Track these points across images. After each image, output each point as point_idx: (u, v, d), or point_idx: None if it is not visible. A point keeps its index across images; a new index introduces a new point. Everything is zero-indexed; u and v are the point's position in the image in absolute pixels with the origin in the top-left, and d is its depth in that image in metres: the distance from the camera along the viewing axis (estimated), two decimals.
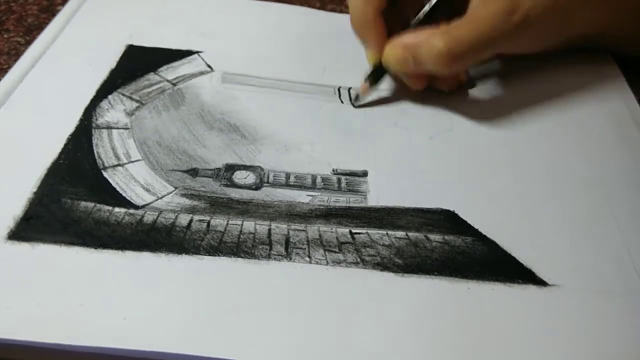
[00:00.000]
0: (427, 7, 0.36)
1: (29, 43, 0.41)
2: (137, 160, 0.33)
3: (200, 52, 0.41)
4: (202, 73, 0.40)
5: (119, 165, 0.33)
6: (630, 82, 0.40)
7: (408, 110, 0.38)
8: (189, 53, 0.41)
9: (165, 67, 0.40)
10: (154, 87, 0.38)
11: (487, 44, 0.34)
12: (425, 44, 0.34)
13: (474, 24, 0.34)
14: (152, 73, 0.39)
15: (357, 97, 0.38)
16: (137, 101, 0.37)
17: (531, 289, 0.28)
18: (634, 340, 0.26)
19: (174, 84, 0.39)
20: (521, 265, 0.29)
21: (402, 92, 0.39)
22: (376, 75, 0.38)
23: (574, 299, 0.28)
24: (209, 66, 0.40)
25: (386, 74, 0.38)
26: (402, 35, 0.35)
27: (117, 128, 0.35)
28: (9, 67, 0.39)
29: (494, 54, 0.36)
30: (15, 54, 0.41)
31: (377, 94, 0.39)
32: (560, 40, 0.39)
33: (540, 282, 0.28)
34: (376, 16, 0.36)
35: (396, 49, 0.35)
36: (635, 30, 0.39)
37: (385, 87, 0.39)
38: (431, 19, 0.36)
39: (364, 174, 0.33)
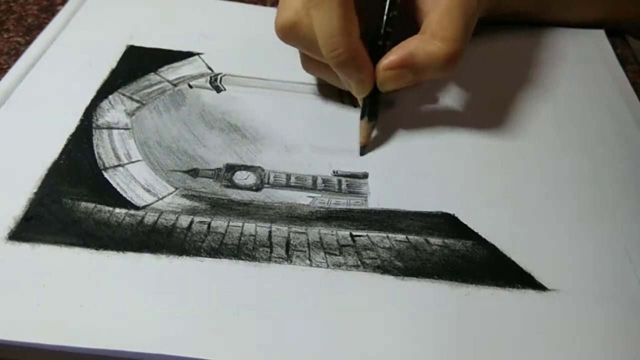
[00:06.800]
0: (384, 22, 0.34)
1: (29, 43, 0.41)
2: (138, 161, 0.33)
3: (201, 53, 0.41)
4: (202, 75, 0.40)
5: (119, 165, 0.33)
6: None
7: (409, 111, 0.38)
8: (189, 54, 0.41)
9: (165, 67, 0.40)
10: (155, 88, 0.38)
11: (472, 25, 0.33)
12: (421, 53, 0.32)
13: (451, 16, 0.32)
14: (152, 73, 0.39)
15: (364, 148, 0.35)
16: (137, 101, 0.37)
17: (530, 293, 0.28)
18: (633, 344, 0.26)
19: (175, 85, 0.39)
20: (521, 269, 0.29)
21: (402, 94, 0.39)
22: (373, 107, 0.35)
23: (573, 304, 0.28)
24: (210, 68, 0.40)
25: (380, 103, 0.35)
26: (389, 55, 0.32)
27: (118, 128, 0.35)
28: (9, 67, 0.38)
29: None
30: (15, 54, 0.40)
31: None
32: None
33: (539, 287, 0.28)
34: (362, 44, 0.32)
35: (392, 69, 0.32)
36: None
37: None
38: (388, 34, 0.34)
39: (365, 176, 0.33)
